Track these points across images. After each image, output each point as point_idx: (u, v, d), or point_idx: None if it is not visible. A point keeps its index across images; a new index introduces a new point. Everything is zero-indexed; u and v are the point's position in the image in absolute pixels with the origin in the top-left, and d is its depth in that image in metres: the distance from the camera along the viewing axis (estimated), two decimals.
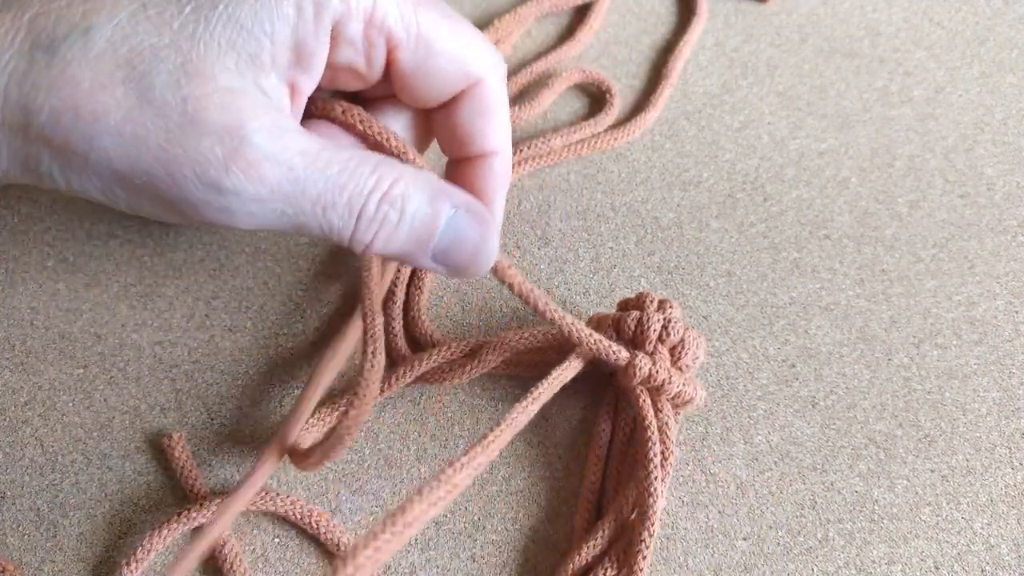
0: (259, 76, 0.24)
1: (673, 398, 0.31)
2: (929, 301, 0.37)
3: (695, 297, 0.37)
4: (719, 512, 0.31)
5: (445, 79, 0.28)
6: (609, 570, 0.29)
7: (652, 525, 0.29)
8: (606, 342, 0.30)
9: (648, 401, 0.31)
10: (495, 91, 0.29)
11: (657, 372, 0.30)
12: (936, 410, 0.34)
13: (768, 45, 0.46)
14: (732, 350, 0.35)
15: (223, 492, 0.31)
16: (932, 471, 0.33)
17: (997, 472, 0.33)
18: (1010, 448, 0.33)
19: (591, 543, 0.29)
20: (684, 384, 0.31)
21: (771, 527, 0.31)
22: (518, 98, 0.43)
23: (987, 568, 0.31)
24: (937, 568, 0.30)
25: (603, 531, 0.29)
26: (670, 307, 0.32)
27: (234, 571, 0.29)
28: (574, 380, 0.34)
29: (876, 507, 0.32)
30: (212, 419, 0.33)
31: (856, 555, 0.31)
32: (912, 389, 0.35)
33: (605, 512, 0.30)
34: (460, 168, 0.30)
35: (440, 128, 0.30)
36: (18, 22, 0.24)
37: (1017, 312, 0.37)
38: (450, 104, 0.29)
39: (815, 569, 0.30)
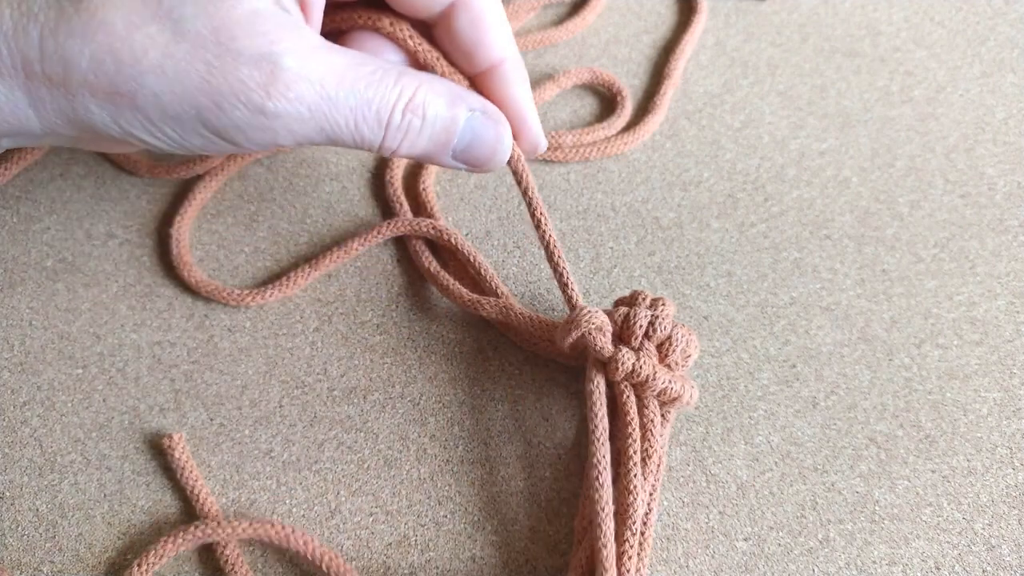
0: None
1: (659, 395, 0.31)
2: (930, 301, 0.37)
3: (695, 297, 0.37)
4: (719, 513, 0.31)
5: None
6: None
7: (634, 524, 0.28)
8: (594, 326, 0.31)
9: (632, 397, 0.31)
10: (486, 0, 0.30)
11: (641, 367, 0.30)
12: (937, 410, 0.34)
13: (769, 44, 0.46)
14: (732, 350, 0.35)
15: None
16: (933, 472, 0.33)
17: (998, 472, 0.33)
18: (1011, 448, 0.33)
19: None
20: (670, 381, 0.30)
21: (772, 528, 0.31)
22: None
23: (988, 569, 0.30)
24: (938, 569, 0.30)
25: None
26: (662, 305, 0.31)
27: (235, 571, 0.29)
28: (575, 380, 0.34)
29: (877, 508, 0.32)
30: (212, 419, 0.33)
31: (857, 556, 0.31)
32: (913, 389, 0.35)
33: None
34: (476, 85, 0.31)
35: (443, 45, 0.31)
36: None
37: (1018, 312, 0.37)
38: (447, 16, 0.30)
39: (816, 570, 0.30)
